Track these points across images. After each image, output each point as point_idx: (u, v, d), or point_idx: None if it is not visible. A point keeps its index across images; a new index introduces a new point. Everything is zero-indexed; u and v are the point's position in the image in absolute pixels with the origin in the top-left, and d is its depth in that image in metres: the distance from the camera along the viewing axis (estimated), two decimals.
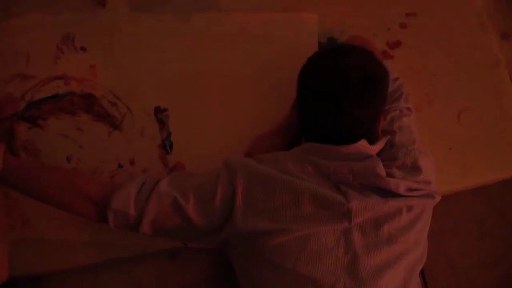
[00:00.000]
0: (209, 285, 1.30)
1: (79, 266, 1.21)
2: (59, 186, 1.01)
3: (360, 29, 1.40)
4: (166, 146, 1.25)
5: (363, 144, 0.97)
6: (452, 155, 1.34)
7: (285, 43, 1.34)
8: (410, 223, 0.98)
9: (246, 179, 0.97)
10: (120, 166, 1.23)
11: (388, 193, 0.96)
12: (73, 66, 1.27)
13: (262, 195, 0.96)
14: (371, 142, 0.99)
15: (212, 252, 1.28)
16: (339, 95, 0.96)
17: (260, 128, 1.25)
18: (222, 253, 1.22)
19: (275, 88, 1.30)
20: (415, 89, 1.35)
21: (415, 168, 1.00)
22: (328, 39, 1.38)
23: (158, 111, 1.26)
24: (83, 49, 1.28)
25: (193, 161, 1.24)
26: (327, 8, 1.41)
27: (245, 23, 1.34)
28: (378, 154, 1.00)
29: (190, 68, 1.30)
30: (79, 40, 1.28)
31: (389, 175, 0.97)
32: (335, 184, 0.97)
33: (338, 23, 1.40)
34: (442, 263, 1.39)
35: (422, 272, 1.33)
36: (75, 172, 1.17)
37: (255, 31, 1.34)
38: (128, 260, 1.26)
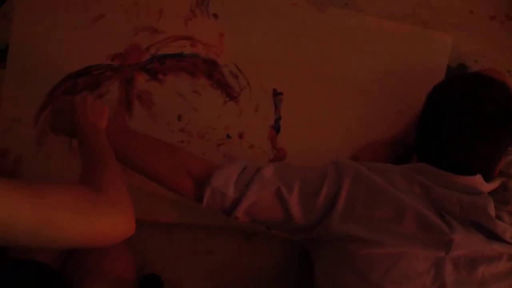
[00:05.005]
0: (278, 273, 1.30)
1: (159, 221, 1.24)
2: (160, 155, 1.01)
3: (494, 62, 1.35)
4: (277, 128, 1.26)
5: (478, 179, 0.93)
6: None
7: (414, 57, 1.30)
8: (507, 272, 0.94)
9: (352, 182, 0.96)
10: (228, 136, 1.25)
11: (491, 235, 0.92)
12: (202, 30, 1.29)
13: (365, 202, 0.94)
14: (486, 179, 0.95)
15: (288, 241, 1.28)
16: (468, 126, 0.92)
17: (371, 135, 1.23)
18: (297, 243, 1.21)
19: (395, 99, 1.27)
20: None
21: None
22: (458, 64, 1.33)
23: (275, 93, 1.27)
24: (215, 15, 1.30)
25: (296, 151, 1.25)
26: (466, 33, 1.36)
27: (378, 28, 1.31)
28: (488, 194, 0.96)
29: (313, 60, 1.29)
30: (213, 6, 1.30)
31: (498, 217, 0.93)
32: (439, 211, 0.94)
33: (473, 51, 1.35)
34: None
35: None
36: (177, 145, 1.17)
37: (387, 38, 1.31)
38: (205, 228, 1.28)
